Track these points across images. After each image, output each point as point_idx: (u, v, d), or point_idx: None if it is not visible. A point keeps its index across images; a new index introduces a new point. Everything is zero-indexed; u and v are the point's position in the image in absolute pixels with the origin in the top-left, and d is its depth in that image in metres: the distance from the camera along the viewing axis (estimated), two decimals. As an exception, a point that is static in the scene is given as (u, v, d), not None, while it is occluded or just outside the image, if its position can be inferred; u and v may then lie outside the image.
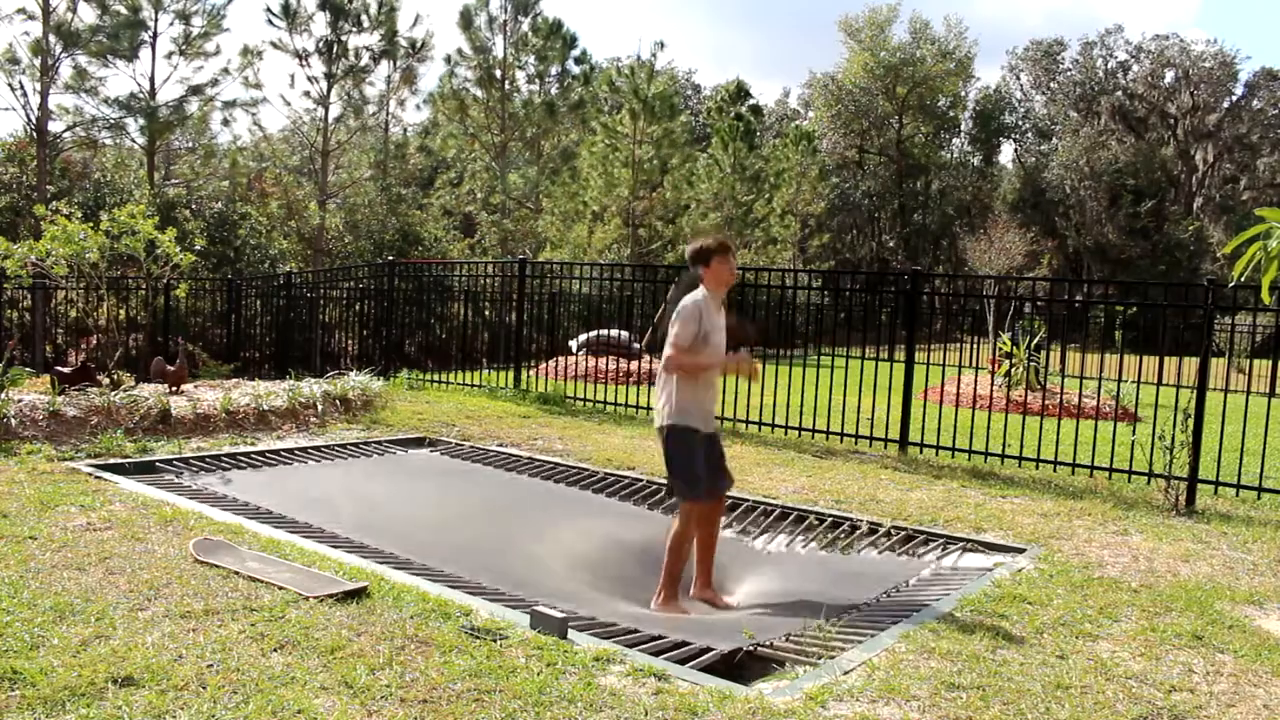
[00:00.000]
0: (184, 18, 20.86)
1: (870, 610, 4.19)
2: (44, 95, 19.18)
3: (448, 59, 26.74)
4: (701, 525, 4.52)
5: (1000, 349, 12.53)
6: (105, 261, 8.61)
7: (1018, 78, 53.88)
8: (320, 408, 8.30)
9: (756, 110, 38.89)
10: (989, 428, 8.79)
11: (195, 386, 8.96)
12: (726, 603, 4.61)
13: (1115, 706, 3.10)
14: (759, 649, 3.64)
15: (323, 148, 24.68)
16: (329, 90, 23.95)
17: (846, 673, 3.27)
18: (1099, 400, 10.75)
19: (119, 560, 4.02)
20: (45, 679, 2.82)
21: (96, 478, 5.64)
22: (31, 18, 18.82)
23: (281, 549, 4.35)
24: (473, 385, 10.89)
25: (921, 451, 7.97)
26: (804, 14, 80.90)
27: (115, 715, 2.66)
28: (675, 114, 26.04)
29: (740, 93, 37.00)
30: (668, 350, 4.40)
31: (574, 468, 6.94)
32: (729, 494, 4.99)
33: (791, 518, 5.80)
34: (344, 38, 23.76)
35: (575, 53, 27.81)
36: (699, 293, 4.49)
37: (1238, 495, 6.76)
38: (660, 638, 3.68)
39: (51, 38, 18.96)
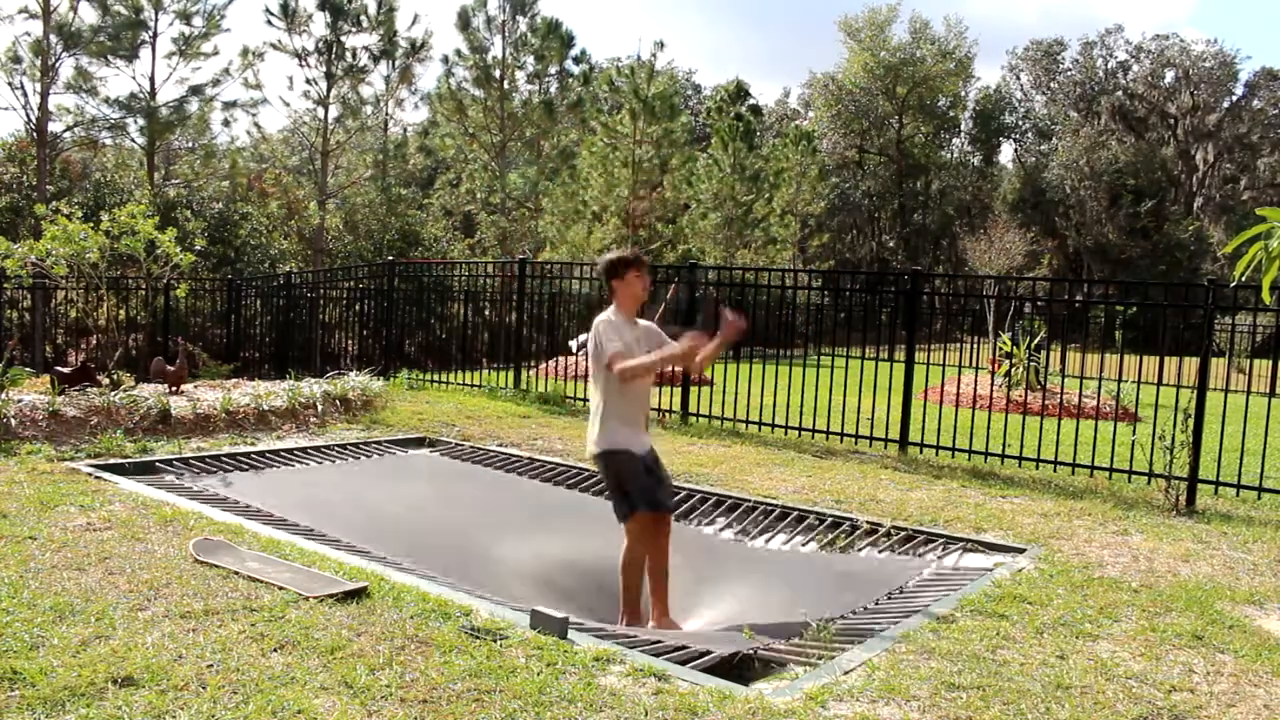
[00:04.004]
0: (184, 18, 20.87)
1: (870, 612, 4.18)
2: (44, 95, 19.18)
3: (445, 59, 26.72)
4: (648, 545, 4.33)
5: (1000, 349, 12.53)
6: (105, 261, 8.61)
7: (1018, 78, 53.89)
8: (320, 408, 8.29)
9: (756, 110, 38.87)
10: (989, 428, 8.79)
11: (195, 386, 8.96)
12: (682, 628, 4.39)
13: (1115, 706, 3.10)
14: (759, 651, 3.63)
15: (322, 148, 24.67)
16: (328, 90, 23.94)
17: (846, 673, 3.27)
18: (1099, 400, 10.75)
19: (119, 560, 4.01)
20: (45, 679, 2.82)
21: (96, 478, 5.64)
22: (33, 17, 18.82)
23: (281, 549, 4.35)
24: (473, 385, 10.88)
25: (921, 451, 7.97)
26: (803, 14, 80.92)
27: (115, 715, 2.66)
28: (675, 114, 26.03)
29: (740, 93, 36.99)
30: (602, 365, 4.24)
31: (574, 468, 6.93)
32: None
33: (791, 518, 5.80)
34: (343, 38, 23.76)
35: (574, 52, 27.76)
36: (609, 313, 4.40)
37: (1238, 495, 6.75)
38: (660, 640, 3.68)
39: (52, 37, 18.96)
